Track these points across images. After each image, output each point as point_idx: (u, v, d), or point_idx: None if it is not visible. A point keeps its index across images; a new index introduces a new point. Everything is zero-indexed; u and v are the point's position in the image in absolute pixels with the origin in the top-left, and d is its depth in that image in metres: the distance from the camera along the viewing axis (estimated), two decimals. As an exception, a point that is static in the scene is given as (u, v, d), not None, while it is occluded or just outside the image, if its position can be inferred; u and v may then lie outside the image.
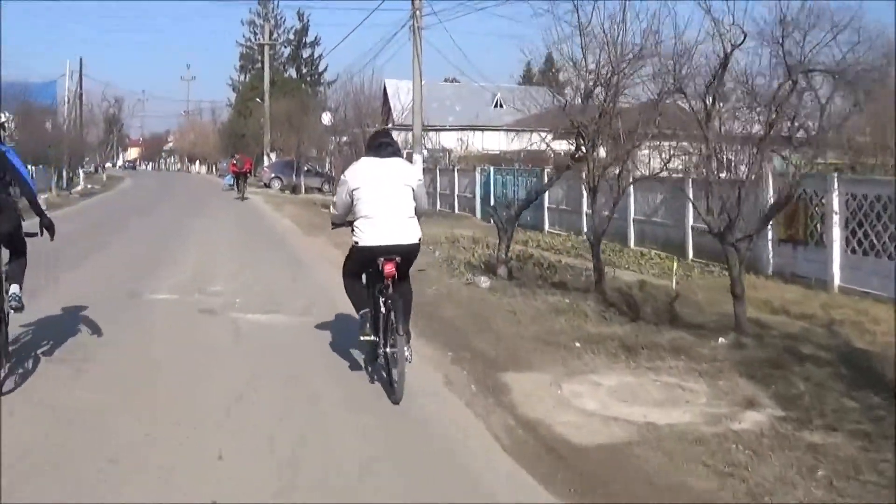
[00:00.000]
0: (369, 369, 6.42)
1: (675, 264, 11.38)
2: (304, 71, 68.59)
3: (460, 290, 10.09)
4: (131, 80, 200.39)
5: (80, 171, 50.93)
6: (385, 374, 6.12)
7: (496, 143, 42.86)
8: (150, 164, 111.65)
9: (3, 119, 7.28)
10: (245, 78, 69.42)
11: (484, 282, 10.29)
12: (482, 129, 46.67)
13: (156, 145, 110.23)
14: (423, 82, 24.83)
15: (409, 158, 27.47)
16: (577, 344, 7.33)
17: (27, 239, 6.42)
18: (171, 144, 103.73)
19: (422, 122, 24.96)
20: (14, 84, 40.53)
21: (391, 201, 6.00)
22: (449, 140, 38.15)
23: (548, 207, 19.57)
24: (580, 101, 10.05)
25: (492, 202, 22.27)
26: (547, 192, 18.34)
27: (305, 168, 39.64)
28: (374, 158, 6.19)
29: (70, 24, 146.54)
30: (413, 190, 6.14)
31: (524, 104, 15.09)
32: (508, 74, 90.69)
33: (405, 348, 5.70)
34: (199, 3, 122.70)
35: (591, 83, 9.63)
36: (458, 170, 26.69)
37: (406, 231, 6.01)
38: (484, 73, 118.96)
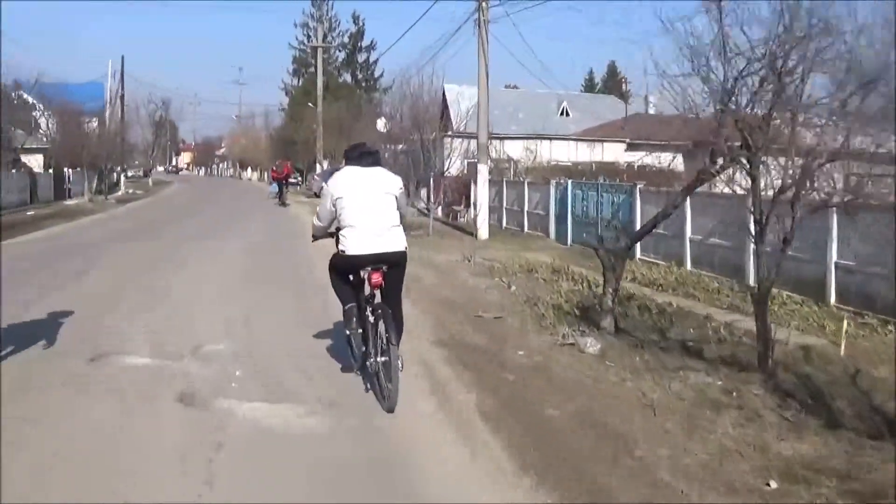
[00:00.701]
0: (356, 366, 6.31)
1: (846, 324, 8.29)
2: (360, 76, 66.97)
3: (558, 357, 7.18)
4: (182, 82, 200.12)
5: (122, 175, 49.82)
6: (376, 383, 5.96)
7: (563, 153, 40.59)
8: (203, 169, 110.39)
9: None
10: (298, 82, 67.53)
11: (590, 345, 7.36)
12: (549, 139, 43.87)
13: (209, 150, 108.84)
14: (487, 87, 22.05)
15: (474, 168, 24.97)
16: (772, 485, 4.44)
17: None
18: (223, 150, 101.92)
19: (488, 129, 22.12)
20: (54, 85, 39.78)
21: (375, 210, 6.02)
22: (512, 150, 35.30)
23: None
24: (725, 100, 7.02)
25: (569, 221, 19.45)
26: (638, 213, 15.53)
27: None
28: (356, 168, 6.20)
29: (116, 25, 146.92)
30: (396, 198, 6.15)
31: (591, 112, 12.16)
32: (573, 81, 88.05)
33: (397, 357, 5.69)
34: (250, 2, 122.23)
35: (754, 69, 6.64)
36: (528, 183, 23.76)
37: (391, 239, 6.01)
38: (548, 78, 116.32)
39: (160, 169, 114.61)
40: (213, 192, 46.84)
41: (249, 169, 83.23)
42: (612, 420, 5.47)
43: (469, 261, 13.97)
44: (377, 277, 5.94)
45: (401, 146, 24.35)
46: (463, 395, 6.07)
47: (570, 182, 20.40)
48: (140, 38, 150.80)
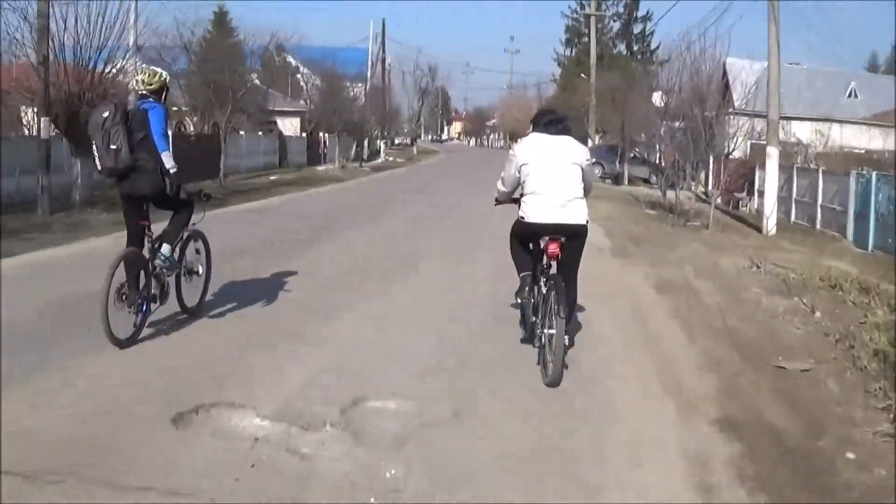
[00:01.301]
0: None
1: None
2: (635, 48, 63.30)
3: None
4: (451, 50, 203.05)
5: (383, 142, 50.44)
6: (542, 355, 5.78)
7: (854, 138, 36.37)
8: (474, 139, 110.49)
9: (164, 77, 6.68)
10: (571, 52, 65.40)
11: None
12: (839, 122, 39.09)
13: (479, 120, 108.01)
14: (778, 57, 19.30)
15: (761, 151, 22.11)
16: None
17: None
18: (494, 121, 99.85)
19: (779, 105, 19.35)
20: (318, 48, 40.92)
21: (559, 179, 5.90)
22: (799, 132, 31.53)
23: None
24: None
25: (871, 221, 16.43)
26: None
27: (631, 155, 34.26)
28: (544, 135, 6.09)
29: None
30: (582, 169, 6.02)
31: (883, 94, 9.62)
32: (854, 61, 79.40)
33: (564, 332, 5.53)
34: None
35: None
36: (822, 171, 20.63)
37: (572, 210, 5.89)
38: (832, 57, 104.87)
39: (427, 138, 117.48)
40: (475, 164, 45.54)
41: (519, 140, 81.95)
42: None
43: (758, 268, 11.49)
44: (554, 247, 5.90)
45: (678, 123, 22.10)
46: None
47: (874, 174, 17.25)
48: (406, 3, 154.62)
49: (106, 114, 6.23)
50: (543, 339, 5.82)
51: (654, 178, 30.39)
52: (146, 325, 6.49)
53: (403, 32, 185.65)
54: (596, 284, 8.94)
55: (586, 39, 53.24)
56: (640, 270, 11.14)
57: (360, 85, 45.62)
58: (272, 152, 34.99)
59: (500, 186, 6.41)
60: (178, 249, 6.86)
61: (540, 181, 5.91)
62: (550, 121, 6.18)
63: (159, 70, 6.80)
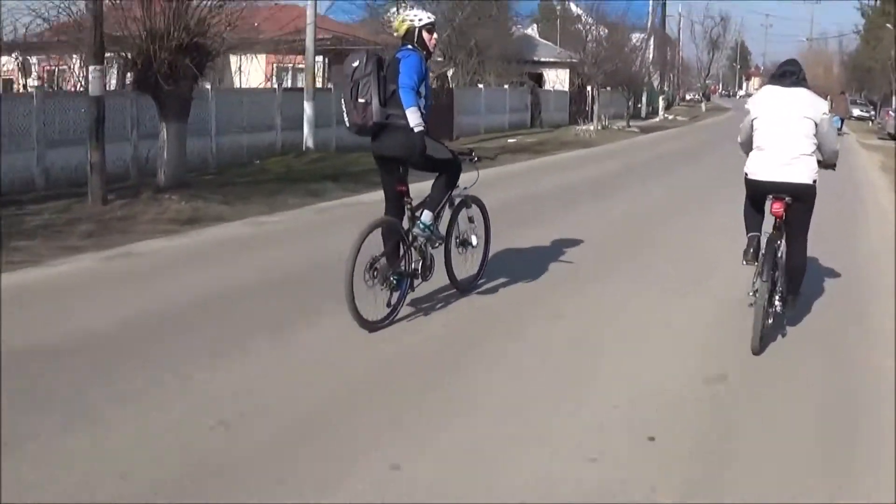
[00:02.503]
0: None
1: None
2: None
3: None
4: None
5: (662, 98, 47.04)
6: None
7: None
8: None
9: (410, 20, 5.79)
10: (876, 2, 59.22)
11: None
12: None
13: None
14: None
15: None
16: None
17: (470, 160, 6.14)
18: None
19: None
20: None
21: (786, 133, 5.54)
22: None
23: None
24: None
25: None
26: None
27: None
28: (777, 87, 5.75)
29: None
30: (815, 124, 5.55)
31: None
32: None
33: (773, 298, 5.39)
34: None
35: None
36: None
37: (797, 168, 5.49)
38: None
39: (726, 93, 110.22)
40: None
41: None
42: None
43: None
44: (778, 207, 5.52)
45: None
46: None
47: None
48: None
49: (356, 63, 5.63)
50: (750, 299, 5.56)
51: None
52: (405, 303, 5.71)
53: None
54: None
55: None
56: None
57: (640, 35, 41.31)
58: (521, 109, 30.36)
59: (738, 139, 6.15)
60: (443, 217, 6.03)
61: (766, 136, 5.64)
62: (784, 72, 5.80)
63: (408, 13, 5.98)
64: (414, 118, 5.48)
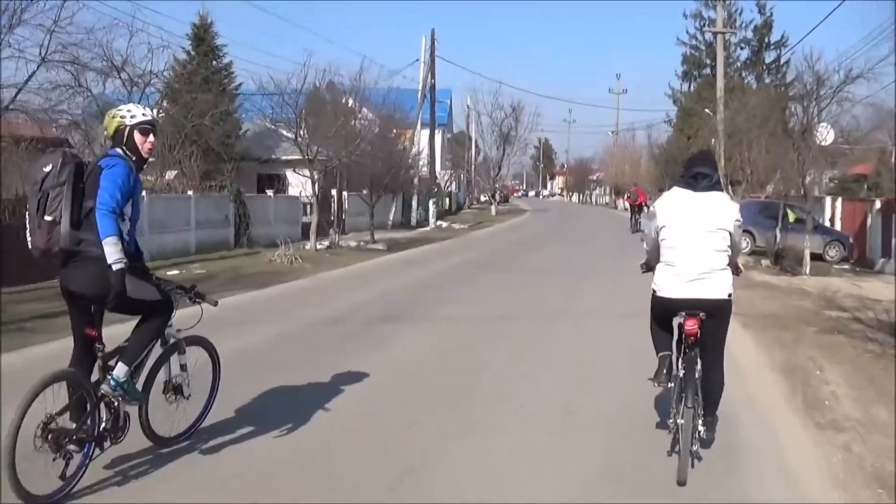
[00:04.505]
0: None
1: None
2: (768, 80, 51.75)
3: None
4: (548, 91, 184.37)
5: (432, 203, 38.78)
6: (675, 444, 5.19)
7: None
8: (577, 195, 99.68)
9: (119, 116, 4.84)
10: (689, 87, 57.57)
11: None
12: None
13: (582, 173, 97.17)
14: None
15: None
16: None
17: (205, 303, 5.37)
18: (598, 174, 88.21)
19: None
20: (377, 90, 29.62)
21: (699, 248, 5.24)
22: None
23: None
24: None
25: None
26: None
27: (792, 218, 23.47)
28: (686, 191, 5.38)
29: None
30: (730, 234, 5.30)
31: None
32: None
33: (696, 423, 5.08)
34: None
35: None
36: None
37: (711, 283, 5.22)
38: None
39: (532, 193, 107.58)
40: (561, 230, 36.60)
41: (626, 196, 62.40)
42: None
43: None
44: (692, 324, 5.15)
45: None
46: None
47: None
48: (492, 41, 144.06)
49: (49, 167, 4.60)
50: (672, 427, 5.30)
51: (832, 253, 24.09)
52: (84, 473, 4.65)
53: (492, 66, 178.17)
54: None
55: (707, 71, 49.49)
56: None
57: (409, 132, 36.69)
58: (220, 224, 22.94)
59: (644, 247, 5.79)
60: (145, 370, 5.13)
61: (675, 249, 5.29)
62: (696, 174, 5.36)
63: (121, 108, 4.95)
64: (113, 253, 4.53)
